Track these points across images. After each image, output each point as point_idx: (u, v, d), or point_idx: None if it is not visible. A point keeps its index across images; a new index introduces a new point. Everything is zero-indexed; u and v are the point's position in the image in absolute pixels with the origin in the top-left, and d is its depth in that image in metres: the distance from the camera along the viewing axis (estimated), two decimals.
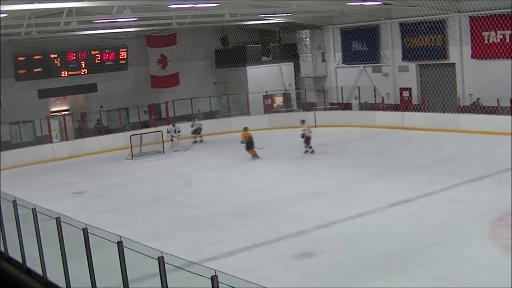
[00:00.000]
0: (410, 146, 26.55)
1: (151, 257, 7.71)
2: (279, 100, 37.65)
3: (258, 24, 36.96)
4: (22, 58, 31.71)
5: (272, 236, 14.81)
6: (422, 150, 25.54)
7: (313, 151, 25.96)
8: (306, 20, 35.89)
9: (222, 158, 26.20)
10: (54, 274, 10.58)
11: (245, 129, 26.39)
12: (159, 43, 36.44)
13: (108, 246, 8.68)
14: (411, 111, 31.49)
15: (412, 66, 33.14)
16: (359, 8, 32.65)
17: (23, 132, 30.59)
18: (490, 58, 29.15)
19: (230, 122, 32.93)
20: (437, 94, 31.22)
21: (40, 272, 11.00)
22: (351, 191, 19.19)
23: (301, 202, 18.14)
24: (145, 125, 32.88)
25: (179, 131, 30.07)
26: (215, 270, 6.72)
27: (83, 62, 33.59)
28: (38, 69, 32.17)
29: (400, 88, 33.52)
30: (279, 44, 39.54)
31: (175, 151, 29.23)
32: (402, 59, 33.37)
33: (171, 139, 29.87)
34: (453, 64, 31.01)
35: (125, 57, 35.06)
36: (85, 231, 9.31)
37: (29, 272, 11.43)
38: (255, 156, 25.93)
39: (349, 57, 36.23)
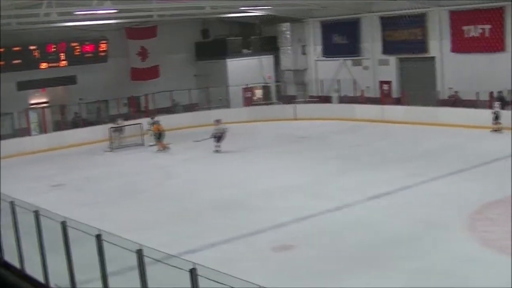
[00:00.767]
0: (390, 140, 26.66)
1: (130, 250, 7.70)
2: (259, 93, 37.56)
3: (239, 16, 36.85)
4: (1, 50, 31.32)
5: (251, 229, 14.84)
6: (402, 143, 25.70)
7: (218, 151, 25.86)
8: (286, 13, 35.86)
9: (202, 151, 26.13)
10: (33, 268, 10.51)
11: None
12: (139, 35, 36.20)
13: (87, 239, 8.65)
14: (391, 104, 31.57)
15: (392, 59, 33.25)
16: (339, 2, 32.73)
17: (2, 124, 30.22)
18: (469, 52, 29.34)
19: (209, 114, 32.83)
20: (417, 87, 31.31)
21: (17, 265, 10.92)
22: (330, 184, 19.25)
23: (280, 195, 18.17)
24: (124, 117, 32.62)
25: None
26: (193, 263, 6.73)
27: (63, 54, 33.27)
28: (18, 61, 31.81)
29: (380, 82, 33.59)
30: (260, 37, 39.47)
31: (151, 145, 28.49)
32: (382, 53, 33.47)
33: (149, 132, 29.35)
34: (433, 58, 31.18)
35: (105, 49, 34.75)
36: (63, 224, 9.27)
37: (7, 265, 11.34)
38: (165, 148, 27.15)
39: (329, 50, 36.22)
